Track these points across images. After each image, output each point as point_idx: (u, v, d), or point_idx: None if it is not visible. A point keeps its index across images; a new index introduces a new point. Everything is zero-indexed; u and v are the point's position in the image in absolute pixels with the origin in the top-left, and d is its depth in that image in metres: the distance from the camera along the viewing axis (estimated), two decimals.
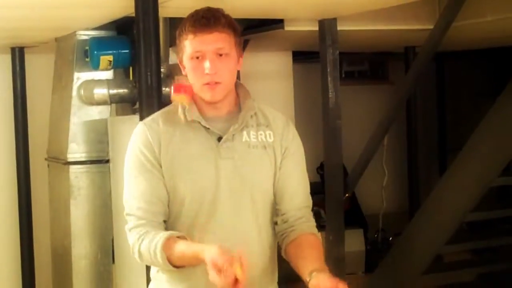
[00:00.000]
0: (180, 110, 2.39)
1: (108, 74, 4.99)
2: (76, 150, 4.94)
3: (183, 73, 2.39)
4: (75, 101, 4.94)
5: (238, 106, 2.40)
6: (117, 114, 5.23)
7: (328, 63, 4.92)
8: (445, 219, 5.05)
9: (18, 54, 5.85)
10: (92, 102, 4.92)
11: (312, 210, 2.57)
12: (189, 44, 2.29)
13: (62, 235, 5.11)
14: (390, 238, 7.32)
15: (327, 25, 4.89)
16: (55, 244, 5.34)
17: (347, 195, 5.19)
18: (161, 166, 2.32)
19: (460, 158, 5.12)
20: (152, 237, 2.25)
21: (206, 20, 2.28)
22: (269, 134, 2.38)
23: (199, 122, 2.35)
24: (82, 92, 4.91)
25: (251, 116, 2.39)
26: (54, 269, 5.43)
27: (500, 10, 4.96)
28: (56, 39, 5.33)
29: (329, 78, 4.93)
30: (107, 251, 4.98)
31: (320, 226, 7.71)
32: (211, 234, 2.32)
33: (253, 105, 2.40)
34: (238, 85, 2.43)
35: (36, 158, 5.80)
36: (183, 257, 2.20)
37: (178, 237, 2.24)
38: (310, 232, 2.41)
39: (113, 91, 4.89)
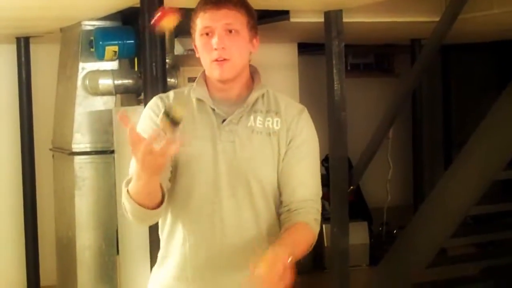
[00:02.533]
0: (191, 90, 2.39)
1: (113, 65, 5.00)
2: (81, 140, 4.94)
3: (197, 55, 2.39)
4: (80, 91, 4.95)
5: (250, 91, 2.38)
6: (122, 104, 5.23)
7: (333, 55, 4.90)
8: (449, 212, 5.03)
9: (23, 44, 5.85)
10: (97, 92, 4.92)
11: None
12: (200, 21, 2.30)
13: (67, 225, 5.12)
14: (395, 231, 7.32)
15: (332, 17, 4.88)
16: (60, 234, 5.34)
17: (351, 187, 5.18)
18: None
19: (465, 152, 5.10)
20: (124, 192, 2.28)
21: None
22: (277, 122, 2.35)
23: (205, 102, 2.35)
24: (87, 82, 4.92)
25: (262, 102, 2.38)
26: (59, 260, 5.44)
27: (507, 3, 4.94)
28: (61, 29, 5.33)
29: (334, 71, 4.92)
30: (111, 242, 4.99)
31: (325, 219, 7.69)
32: (205, 216, 2.31)
33: (261, 89, 2.38)
34: (253, 70, 2.42)
35: (41, 148, 5.81)
36: (138, 188, 2.19)
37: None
38: (303, 221, 2.34)
39: (118, 82, 4.90)
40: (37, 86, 5.97)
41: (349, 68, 8.12)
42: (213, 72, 2.31)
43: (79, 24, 4.97)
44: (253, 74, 2.42)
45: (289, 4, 4.94)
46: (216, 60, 2.29)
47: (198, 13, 2.31)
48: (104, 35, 4.82)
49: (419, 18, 5.51)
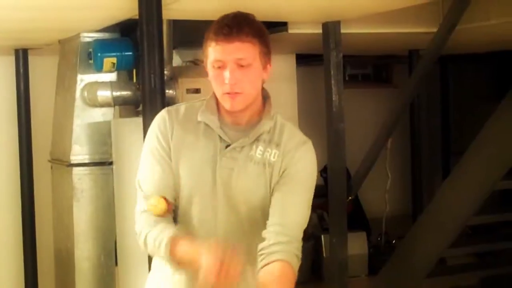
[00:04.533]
0: (201, 110, 2.38)
1: (112, 76, 5.00)
2: (79, 152, 4.94)
3: (209, 78, 2.36)
4: (78, 103, 4.95)
5: (260, 117, 2.37)
6: (121, 116, 5.23)
7: (331, 66, 4.91)
8: (448, 222, 5.04)
9: (22, 56, 5.85)
10: (95, 104, 4.92)
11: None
12: (211, 52, 2.27)
13: (65, 237, 5.11)
14: (393, 241, 7.31)
15: (330, 28, 4.89)
16: (58, 246, 5.34)
17: (350, 198, 5.19)
18: (169, 149, 2.36)
19: (464, 162, 5.11)
20: (160, 231, 2.28)
21: (229, 28, 2.24)
22: (275, 154, 2.34)
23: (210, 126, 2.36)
24: (85, 94, 4.92)
25: (267, 132, 2.36)
26: (57, 271, 5.43)
27: (504, 14, 4.96)
28: (60, 41, 5.33)
29: (332, 81, 4.93)
30: (110, 253, 4.98)
31: (323, 229, 7.67)
32: (203, 234, 2.32)
33: (268, 122, 2.36)
34: (266, 96, 2.41)
35: (39, 160, 5.80)
36: (183, 260, 2.23)
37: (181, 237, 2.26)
38: (285, 259, 2.26)
39: (117, 93, 4.90)
40: (35, 98, 5.97)
41: (347, 79, 8.13)
42: (225, 103, 2.30)
43: (77, 36, 4.97)
44: (265, 99, 2.40)
45: (287, 15, 4.95)
46: (228, 93, 2.27)
47: (210, 42, 2.27)
48: (102, 46, 4.82)
49: (417, 29, 5.52)
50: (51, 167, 5.42)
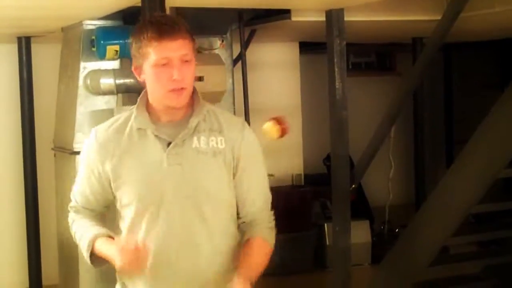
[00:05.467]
0: (132, 118, 2.42)
1: (115, 64, 4.99)
2: (83, 140, 4.89)
3: (139, 79, 2.42)
4: (81, 90, 4.94)
5: (191, 110, 2.42)
6: (124, 104, 5.22)
7: (335, 54, 4.90)
8: (451, 211, 5.03)
9: (24, 44, 5.85)
10: (98, 92, 4.91)
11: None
12: (153, 51, 2.31)
13: (69, 225, 5.11)
14: (396, 230, 7.32)
15: (334, 16, 4.88)
16: (61, 234, 5.34)
17: (353, 186, 5.18)
18: (105, 173, 2.43)
19: (467, 150, 5.10)
20: (83, 228, 2.62)
21: (170, 27, 2.31)
22: (221, 141, 2.40)
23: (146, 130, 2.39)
24: (88, 81, 4.91)
25: (204, 122, 2.41)
26: (61, 259, 5.44)
27: (508, 1, 4.94)
28: (63, 29, 5.33)
29: (335, 69, 4.91)
30: None
31: (327, 217, 7.66)
32: (154, 239, 2.37)
33: (201, 111, 2.41)
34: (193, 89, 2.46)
35: (43, 147, 5.80)
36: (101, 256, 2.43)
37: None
38: (259, 236, 2.42)
39: (120, 81, 4.89)
40: (38, 86, 5.97)
41: (350, 67, 8.12)
42: (170, 101, 2.35)
43: (80, 23, 4.96)
44: (193, 93, 2.45)
45: (290, 3, 4.94)
46: (174, 90, 2.32)
47: (150, 43, 2.31)
48: (105, 34, 4.81)
49: (420, 16, 5.51)
50: (54, 155, 5.43)
